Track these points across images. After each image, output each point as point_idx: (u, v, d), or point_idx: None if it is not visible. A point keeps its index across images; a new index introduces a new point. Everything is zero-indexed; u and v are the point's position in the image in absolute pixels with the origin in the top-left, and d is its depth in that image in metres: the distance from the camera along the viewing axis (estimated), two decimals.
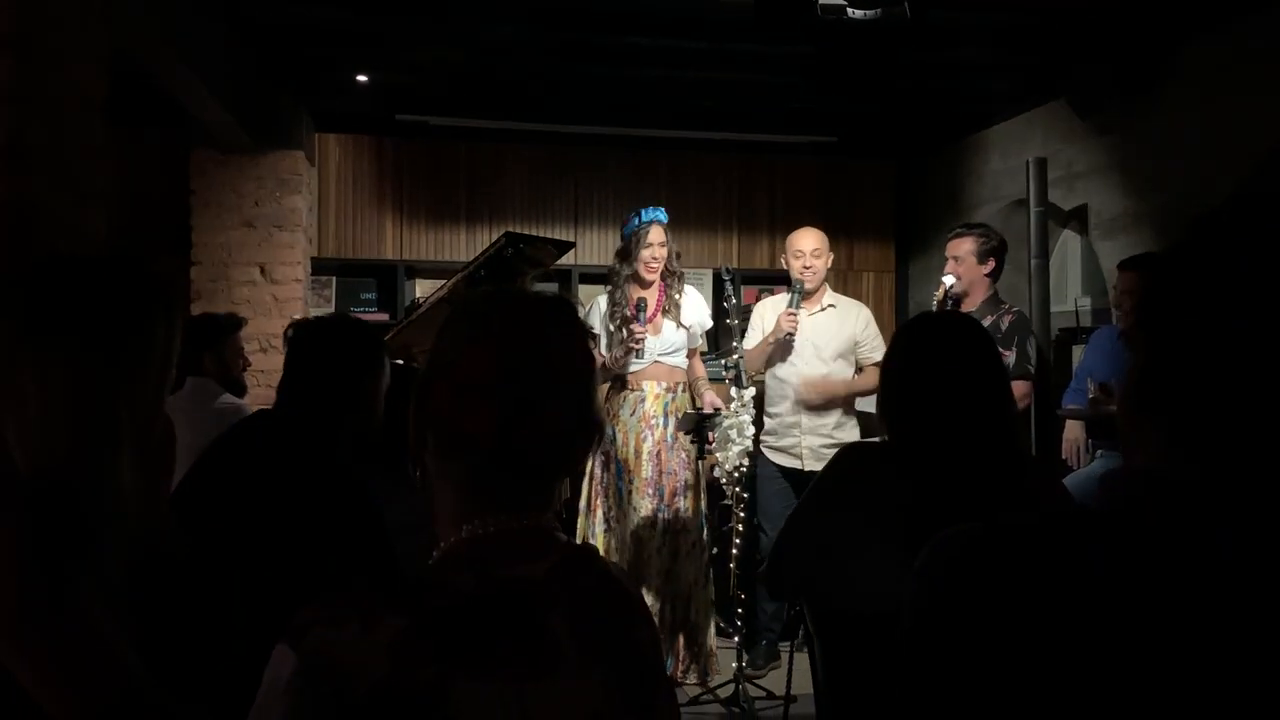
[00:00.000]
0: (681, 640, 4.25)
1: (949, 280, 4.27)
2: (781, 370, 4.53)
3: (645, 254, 4.19)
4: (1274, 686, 0.78)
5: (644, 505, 4.18)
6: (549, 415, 1.12)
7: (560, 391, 1.13)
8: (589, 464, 4.19)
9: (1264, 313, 0.80)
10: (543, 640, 1.05)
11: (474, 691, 0.99)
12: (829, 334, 4.52)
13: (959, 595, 0.86)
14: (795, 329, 4.38)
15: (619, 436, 4.22)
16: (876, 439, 3.90)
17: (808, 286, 4.45)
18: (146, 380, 1.40)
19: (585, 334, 1.21)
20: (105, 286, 1.39)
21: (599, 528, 4.24)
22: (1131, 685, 0.79)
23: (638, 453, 4.21)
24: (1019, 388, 4.11)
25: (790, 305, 4.41)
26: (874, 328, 4.64)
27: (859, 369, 4.62)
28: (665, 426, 4.23)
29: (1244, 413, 0.81)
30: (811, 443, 4.49)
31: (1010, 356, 4.11)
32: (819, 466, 4.30)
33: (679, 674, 4.23)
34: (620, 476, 4.21)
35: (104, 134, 2.57)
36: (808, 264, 4.43)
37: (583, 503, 4.30)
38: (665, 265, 4.27)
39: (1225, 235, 0.85)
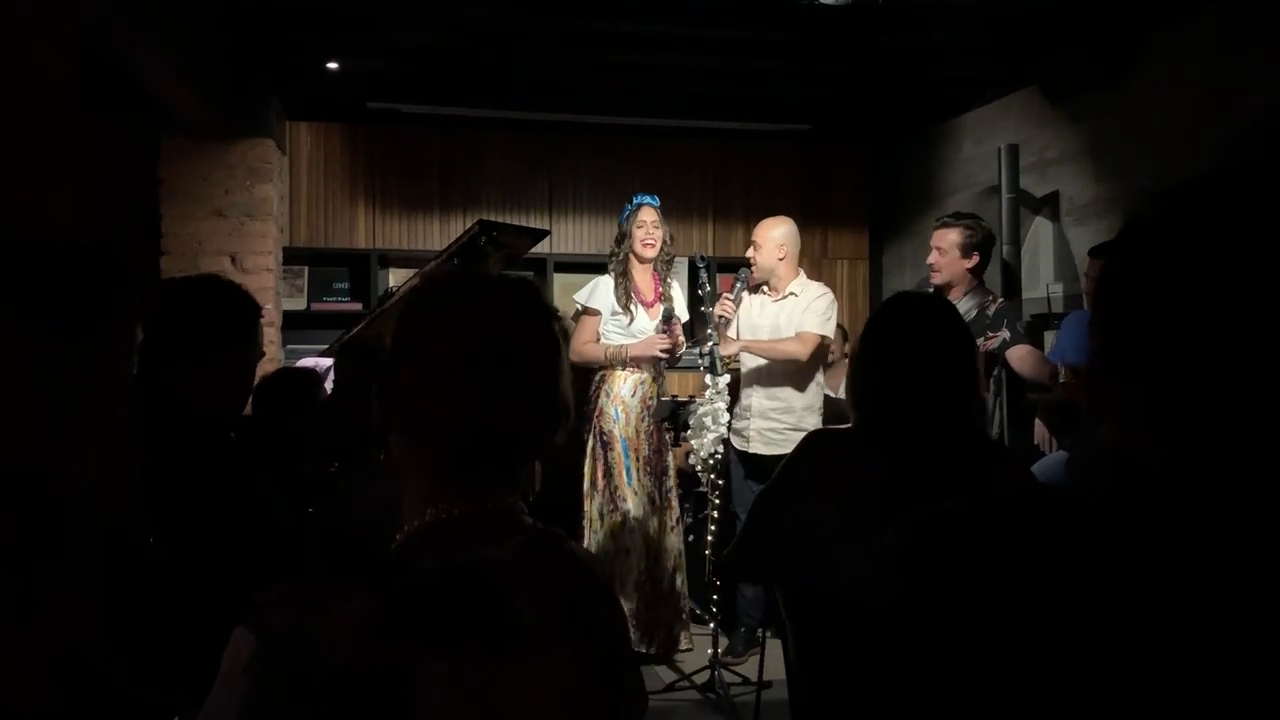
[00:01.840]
0: (672, 609, 4.42)
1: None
2: (743, 356, 4.56)
3: (639, 233, 4.49)
4: (1247, 663, 0.79)
5: (647, 482, 4.41)
6: (515, 400, 1.11)
7: (527, 376, 1.13)
8: (588, 444, 4.41)
9: (1217, 289, 0.81)
10: (508, 621, 1.05)
11: (437, 671, 0.99)
12: (791, 321, 4.54)
13: (937, 573, 0.86)
14: (729, 314, 4.39)
15: (621, 416, 4.41)
16: (840, 426, 3.88)
17: (754, 277, 4.54)
18: (111, 366, 1.39)
19: (552, 317, 1.20)
20: (70, 271, 1.37)
21: (606, 506, 4.38)
22: (1109, 663, 0.80)
23: (638, 431, 4.42)
24: (1022, 351, 4.04)
25: (733, 293, 4.47)
26: (822, 304, 4.52)
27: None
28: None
29: (1200, 387, 0.82)
30: (759, 425, 4.53)
31: (1004, 333, 4.06)
32: (764, 450, 4.39)
33: (681, 641, 4.43)
34: (626, 454, 4.39)
35: (71, 120, 2.53)
36: (749, 254, 4.58)
37: (586, 484, 4.42)
38: (661, 246, 4.53)
39: (1177, 214, 0.86)
